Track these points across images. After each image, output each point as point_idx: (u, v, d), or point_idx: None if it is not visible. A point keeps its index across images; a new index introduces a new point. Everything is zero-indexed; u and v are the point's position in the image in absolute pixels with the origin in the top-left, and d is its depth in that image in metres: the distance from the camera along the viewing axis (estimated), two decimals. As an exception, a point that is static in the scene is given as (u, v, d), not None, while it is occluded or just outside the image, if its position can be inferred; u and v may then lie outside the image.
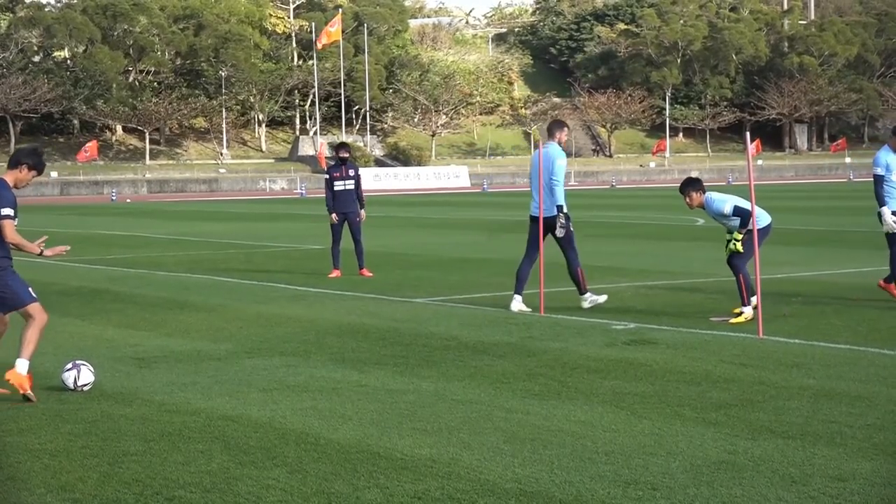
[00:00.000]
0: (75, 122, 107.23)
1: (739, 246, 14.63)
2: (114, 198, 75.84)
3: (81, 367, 10.84)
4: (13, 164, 10.90)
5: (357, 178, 21.72)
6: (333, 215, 21.53)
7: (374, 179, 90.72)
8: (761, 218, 14.88)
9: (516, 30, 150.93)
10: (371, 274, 21.13)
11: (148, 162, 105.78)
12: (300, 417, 9.46)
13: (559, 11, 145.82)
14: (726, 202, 14.77)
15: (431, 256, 25.74)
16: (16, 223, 10.85)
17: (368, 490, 7.36)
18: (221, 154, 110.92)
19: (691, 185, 15.12)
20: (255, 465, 8.00)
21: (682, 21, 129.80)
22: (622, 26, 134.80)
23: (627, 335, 13.52)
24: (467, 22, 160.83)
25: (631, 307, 16.22)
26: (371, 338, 13.67)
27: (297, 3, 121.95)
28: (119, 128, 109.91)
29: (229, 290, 19.25)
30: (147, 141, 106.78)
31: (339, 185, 21.51)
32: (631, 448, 8.27)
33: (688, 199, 15.03)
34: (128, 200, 74.23)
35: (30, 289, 10.89)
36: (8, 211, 10.71)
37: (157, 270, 23.20)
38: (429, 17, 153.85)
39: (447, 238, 32.28)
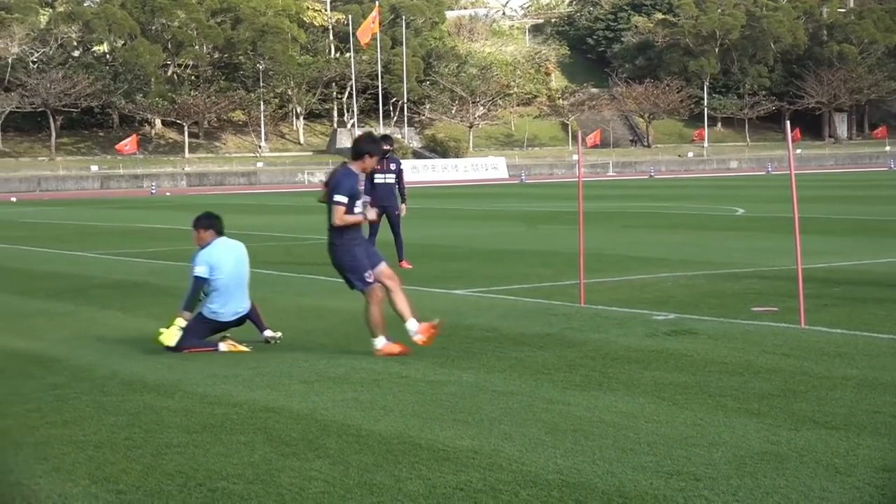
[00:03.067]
0: (115, 116, 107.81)
1: (171, 336, 12.24)
2: (153, 191, 76.18)
3: None
4: (357, 154, 11.79)
5: (399, 172, 21.57)
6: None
7: (412, 171, 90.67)
8: (225, 310, 12.67)
9: (553, 21, 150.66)
10: (410, 265, 21.13)
11: (187, 155, 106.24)
12: (341, 409, 9.48)
13: (596, 2, 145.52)
14: (201, 262, 12.57)
15: (470, 248, 25.73)
16: (358, 208, 11.90)
17: (410, 481, 7.37)
18: (260, 147, 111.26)
19: (200, 221, 12.94)
20: (298, 456, 8.02)
21: (719, 10, 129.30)
22: (659, 16, 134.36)
23: (668, 326, 13.47)
24: (504, 13, 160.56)
25: (671, 297, 16.16)
26: (411, 329, 13.66)
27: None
28: (158, 121, 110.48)
29: (269, 283, 19.29)
30: (186, 134, 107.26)
31: (379, 178, 21.32)
32: (673, 439, 8.25)
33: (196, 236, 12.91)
34: (167, 194, 74.56)
35: (366, 273, 11.83)
36: (341, 198, 11.65)
37: (198, 263, 23.25)
38: (466, 8, 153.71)
39: (485, 229, 32.26)
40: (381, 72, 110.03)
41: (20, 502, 7.19)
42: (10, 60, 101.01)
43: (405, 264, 21.24)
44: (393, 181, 21.42)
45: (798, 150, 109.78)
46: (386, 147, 21.40)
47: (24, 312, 16.12)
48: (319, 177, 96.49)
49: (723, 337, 12.59)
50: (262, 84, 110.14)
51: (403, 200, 21.62)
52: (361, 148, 11.85)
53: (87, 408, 9.78)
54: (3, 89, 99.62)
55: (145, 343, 13.00)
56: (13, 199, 67.39)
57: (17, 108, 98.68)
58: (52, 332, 14.07)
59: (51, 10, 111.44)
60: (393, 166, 21.42)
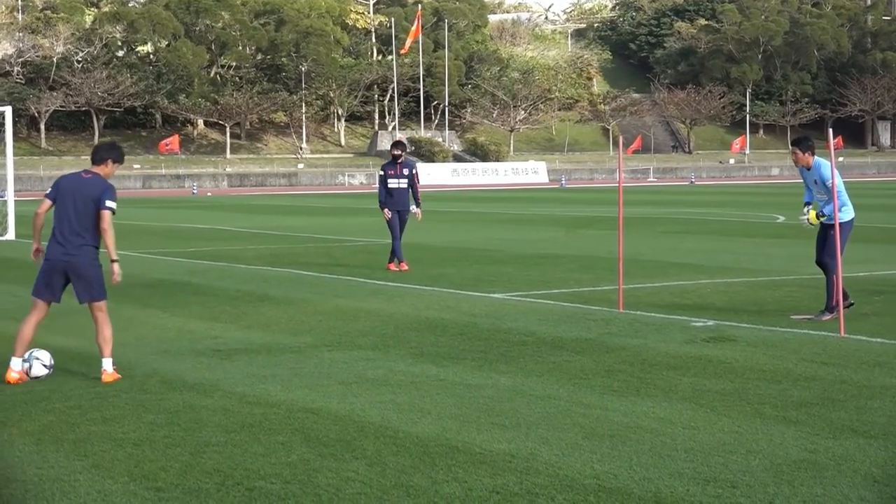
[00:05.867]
0: (157, 116, 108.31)
1: None
2: (195, 191, 76.54)
3: (34, 361, 11.17)
4: (99, 160, 11.28)
5: (412, 177, 21.75)
6: (386, 210, 21.62)
7: (452, 174, 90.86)
8: None
9: (595, 25, 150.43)
10: (400, 269, 21.07)
11: (228, 156, 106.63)
12: (379, 410, 9.52)
13: (639, 7, 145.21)
14: None
15: (509, 252, 25.72)
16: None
17: (447, 484, 7.39)
18: (301, 149, 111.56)
19: None
20: (335, 457, 8.06)
21: (763, 16, 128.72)
22: (702, 22, 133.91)
23: (707, 332, 13.44)
24: (546, 17, 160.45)
25: (710, 304, 16.12)
26: (449, 332, 13.70)
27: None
28: (200, 122, 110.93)
29: (309, 284, 19.37)
30: (228, 135, 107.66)
31: (392, 183, 21.61)
32: (710, 446, 8.24)
33: None
34: (209, 194, 74.87)
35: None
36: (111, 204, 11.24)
37: (238, 264, 23.39)
38: (508, 12, 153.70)
39: (525, 234, 32.24)
40: (423, 75, 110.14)
41: (60, 498, 7.25)
42: (55, 60, 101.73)
43: (393, 267, 21.27)
44: (406, 186, 21.60)
45: (840, 158, 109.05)
46: (395, 152, 21.67)
47: (66, 310, 16.20)
48: (360, 179, 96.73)
49: (761, 344, 12.55)
50: (304, 86, 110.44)
51: (418, 205, 21.70)
52: (101, 154, 11.42)
53: (126, 406, 9.85)
54: (47, 88, 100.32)
55: (185, 342, 13.09)
56: (56, 198, 67.73)
57: (61, 107, 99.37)
58: (92, 331, 14.15)
59: (96, 10, 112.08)
60: (406, 171, 21.71)
